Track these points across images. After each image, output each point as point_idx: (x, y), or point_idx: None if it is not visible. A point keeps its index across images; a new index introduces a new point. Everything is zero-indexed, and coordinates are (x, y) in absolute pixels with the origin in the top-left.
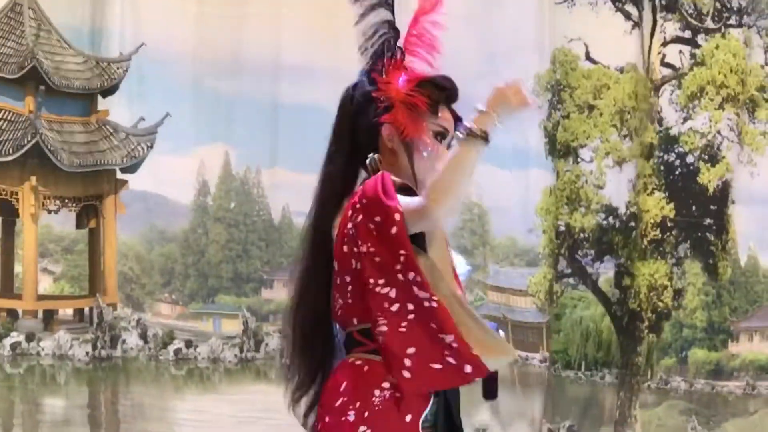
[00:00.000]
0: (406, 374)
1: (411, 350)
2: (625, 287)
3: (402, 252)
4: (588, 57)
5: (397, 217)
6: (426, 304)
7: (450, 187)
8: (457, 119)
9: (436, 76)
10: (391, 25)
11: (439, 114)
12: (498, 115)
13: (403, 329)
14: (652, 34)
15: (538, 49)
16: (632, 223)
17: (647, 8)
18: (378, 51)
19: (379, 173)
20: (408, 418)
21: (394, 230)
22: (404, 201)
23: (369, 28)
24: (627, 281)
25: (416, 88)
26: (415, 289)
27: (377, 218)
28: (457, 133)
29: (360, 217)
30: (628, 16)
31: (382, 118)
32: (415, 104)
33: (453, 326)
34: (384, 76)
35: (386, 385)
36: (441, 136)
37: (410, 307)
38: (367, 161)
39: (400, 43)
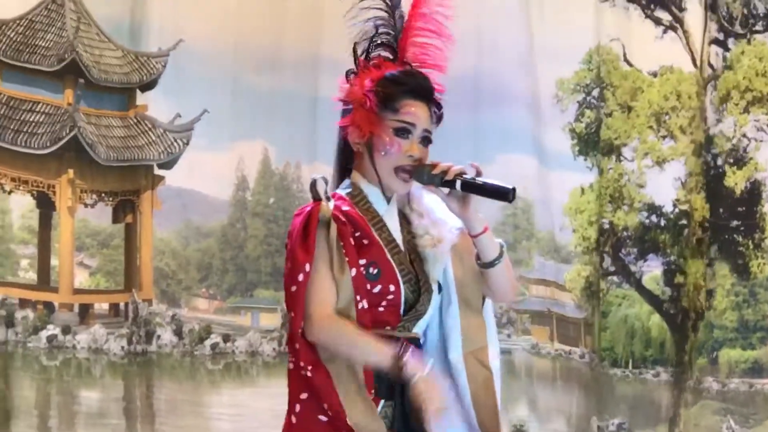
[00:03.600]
0: (293, 419)
1: (303, 395)
2: (677, 285)
3: (291, 314)
4: (625, 58)
5: (300, 277)
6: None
7: (334, 349)
8: (438, 116)
9: (397, 72)
10: (384, 24)
11: (401, 110)
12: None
13: (304, 373)
14: (704, 32)
15: (565, 53)
16: (683, 221)
17: (697, 4)
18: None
19: (309, 208)
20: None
21: (293, 288)
22: (313, 290)
23: (364, 29)
24: (679, 279)
25: (376, 86)
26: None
27: (288, 264)
28: (403, 360)
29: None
30: (658, 21)
31: (340, 122)
32: (366, 104)
33: (327, 396)
34: (353, 78)
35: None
36: (404, 131)
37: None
38: (310, 184)
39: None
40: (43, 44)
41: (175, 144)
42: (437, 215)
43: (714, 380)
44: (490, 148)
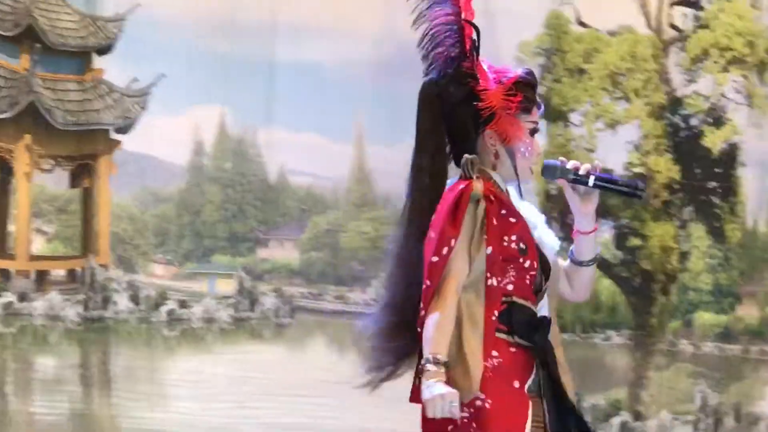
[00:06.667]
0: (416, 381)
1: None
2: (632, 248)
3: (427, 282)
4: (579, 21)
5: (444, 249)
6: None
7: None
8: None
9: (524, 76)
10: (457, 20)
11: (531, 110)
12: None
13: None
14: None
15: (523, 16)
16: None
17: None
18: (452, 52)
19: (462, 186)
20: (516, 384)
21: (435, 259)
22: (449, 265)
23: (434, 26)
24: (635, 242)
25: (514, 92)
26: None
27: (432, 234)
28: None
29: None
30: None
31: (488, 127)
32: (513, 110)
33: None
34: (478, 81)
35: (494, 353)
36: (535, 131)
37: None
38: (462, 163)
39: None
40: (1, 8)
41: (131, 109)
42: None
43: (689, 343)
44: None
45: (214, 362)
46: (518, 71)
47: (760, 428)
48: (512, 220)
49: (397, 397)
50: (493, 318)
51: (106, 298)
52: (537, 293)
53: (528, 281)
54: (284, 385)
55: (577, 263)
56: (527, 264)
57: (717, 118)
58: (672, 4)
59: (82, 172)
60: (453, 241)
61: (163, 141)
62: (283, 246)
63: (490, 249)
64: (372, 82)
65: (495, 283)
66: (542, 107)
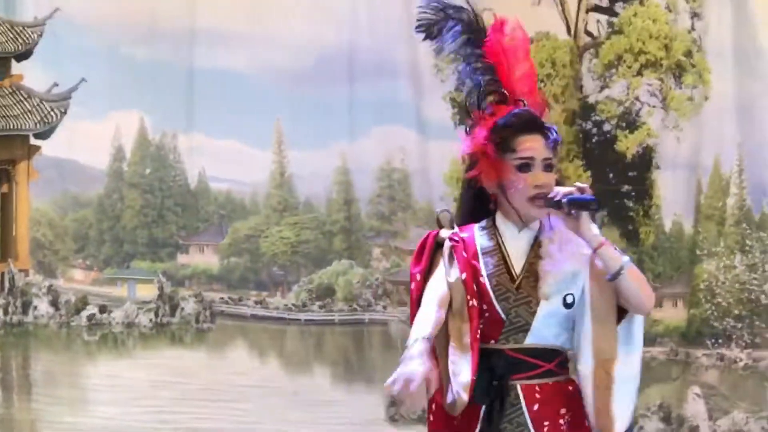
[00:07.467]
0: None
1: None
2: None
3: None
4: None
5: (412, 285)
6: None
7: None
8: (554, 141)
9: (505, 116)
10: (485, 71)
11: (518, 148)
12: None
13: None
14: (579, 1)
15: None
16: None
17: None
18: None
19: (428, 234)
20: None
21: (410, 298)
22: (424, 296)
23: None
24: None
25: (490, 135)
26: None
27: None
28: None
29: None
30: None
31: (470, 174)
32: (487, 153)
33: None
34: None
35: None
36: (525, 167)
37: None
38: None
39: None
40: None
41: (51, 114)
42: (571, 238)
43: None
44: (365, 120)
45: (134, 367)
46: (501, 117)
47: (684, 431)
48: (473, 263)
49: (316, 402)
50: (478, 335)
51: (27, 302)
52: (510, 329)
53: (483, 324)
54: (205, 390)
55: (610, 279)
56: (472, 303)
57: (630, 123)
58: (587, 11)
59: (0, 177)
60: (418, 276)
61: (83, 146)
62: (203, 251)
63: (464, 275)
64: (291, 89)
65: (475, 303)
66: (551, 137)
